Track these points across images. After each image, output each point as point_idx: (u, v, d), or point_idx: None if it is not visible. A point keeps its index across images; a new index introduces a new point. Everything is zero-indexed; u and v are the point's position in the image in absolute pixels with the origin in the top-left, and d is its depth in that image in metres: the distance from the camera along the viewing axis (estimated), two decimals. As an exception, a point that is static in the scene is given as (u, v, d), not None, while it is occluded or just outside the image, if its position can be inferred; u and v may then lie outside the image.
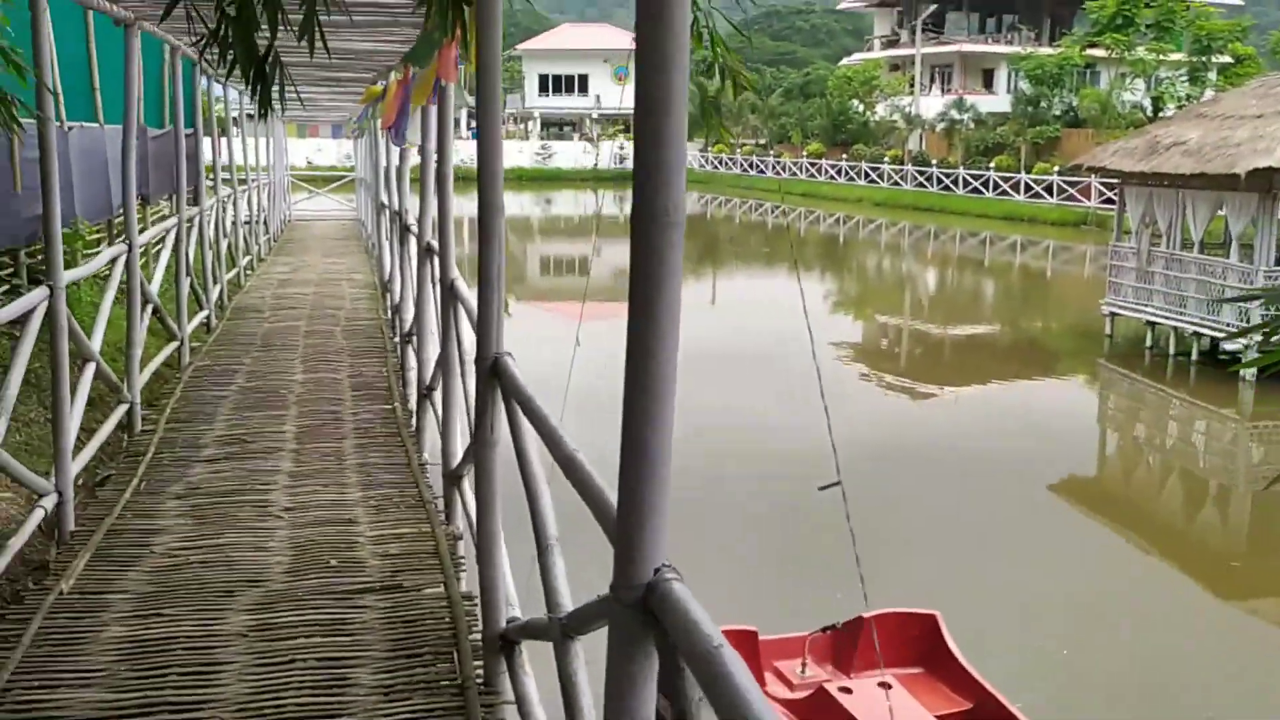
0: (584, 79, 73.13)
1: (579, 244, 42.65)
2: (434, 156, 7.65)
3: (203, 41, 3.15)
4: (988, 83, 58.05)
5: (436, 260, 7.48)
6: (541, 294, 29.34)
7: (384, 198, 14.70)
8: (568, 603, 3.22)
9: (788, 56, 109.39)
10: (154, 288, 8.67)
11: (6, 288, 9.26)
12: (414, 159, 9.96)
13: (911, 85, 57.48)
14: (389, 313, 12.28)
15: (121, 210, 13.58)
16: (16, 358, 4.97)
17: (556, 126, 76.27)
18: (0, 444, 4.80)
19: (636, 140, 1.91)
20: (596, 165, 67.55)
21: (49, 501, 5.33)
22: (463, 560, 5.40)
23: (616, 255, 38.35)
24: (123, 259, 7.28)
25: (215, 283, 12.48)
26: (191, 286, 10.28)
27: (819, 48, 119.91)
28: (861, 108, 59.92)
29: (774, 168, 61.95)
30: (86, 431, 6.72)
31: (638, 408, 1.93)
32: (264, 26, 3.03)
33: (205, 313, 11.28)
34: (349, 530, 5.66)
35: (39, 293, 5.17)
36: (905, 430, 15.22)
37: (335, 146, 60.46)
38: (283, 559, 5.27)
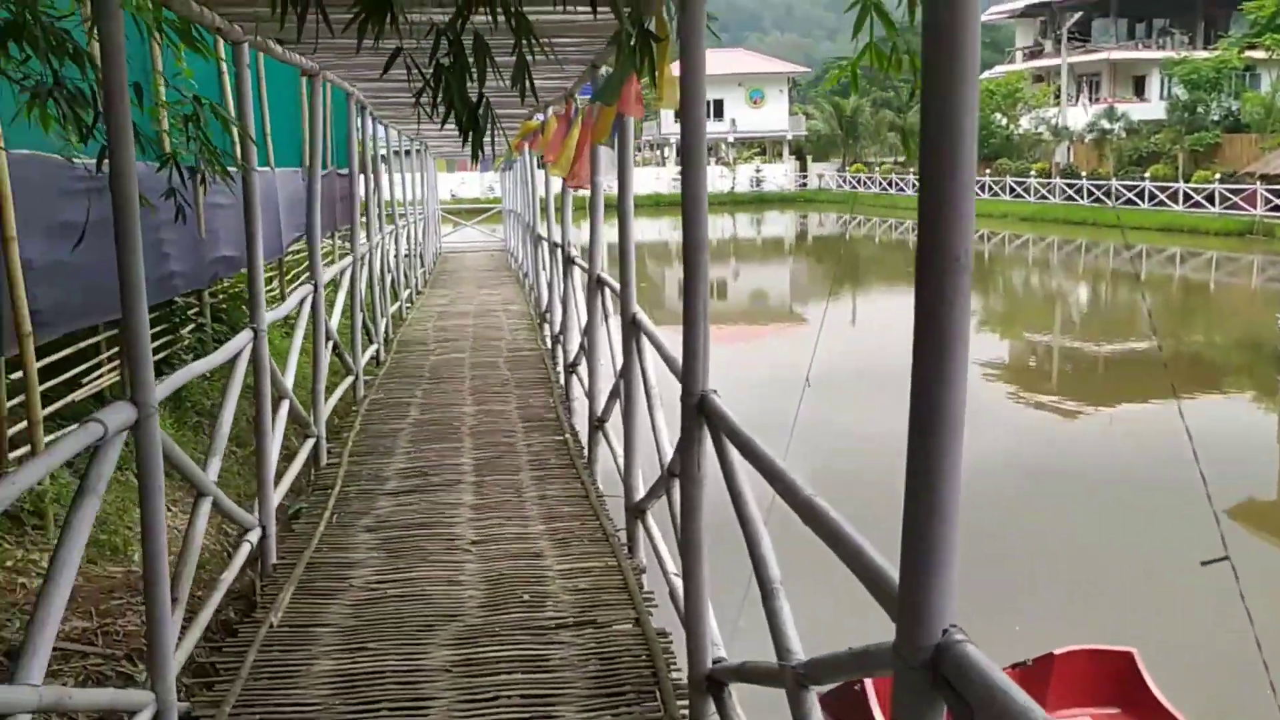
0: (719, 104, 73.22)
1: (715, 268, 42.65)
2: (604, 189, 7.69)
3: (419, 92, 3.21)
4: (1139, 90, 55.97)
5: (608, 293, 7.53)
6: (679, 317, 29.24)
7: (540, 229, 14.94)
8: (798, 650, 3.14)
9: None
10: (334, 320, 8.97)
11: (193, 326, 9.72)
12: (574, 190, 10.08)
13: (1057, 96, 55.84)
14: (549, 343, 12.46)
15: (288, 249, 14.25)
16: (227, 399, 5.18)
17: (692, 152, 76.29)
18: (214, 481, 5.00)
19: (923, 170, 1.83)
20: (733, 189, 67.59)
21: (254, 535, 5.53)
22: (650, 595, 5.38)
23: (753, 278, 38.43)
24: (309, 299, 7.54)
25: (383, 316, 12.86)
26: (363, 322, 10.61)
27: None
28: (1005, 121, 58.47)
29: (914, 186, 60.78)
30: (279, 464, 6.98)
31: (923, 456, 1.84)
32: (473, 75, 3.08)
33: (375, 346, 11.63)
34: (536, 564, 5.71)
35: (244, 336, 5.38)
36: (1058, 450, 14.69)
37: (478, 179, 62.00)
38: (475, 593, 5.34)
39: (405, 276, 17.44)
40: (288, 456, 7.30)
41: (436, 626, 4.94)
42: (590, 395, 8.03)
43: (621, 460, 6.71)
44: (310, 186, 7.69)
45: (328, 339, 8.19)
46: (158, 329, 9.12)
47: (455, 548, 5.96)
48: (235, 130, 5.90)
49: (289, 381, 6.96)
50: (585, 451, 7.91)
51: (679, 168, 5.76)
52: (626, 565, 5.64)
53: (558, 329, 11.94)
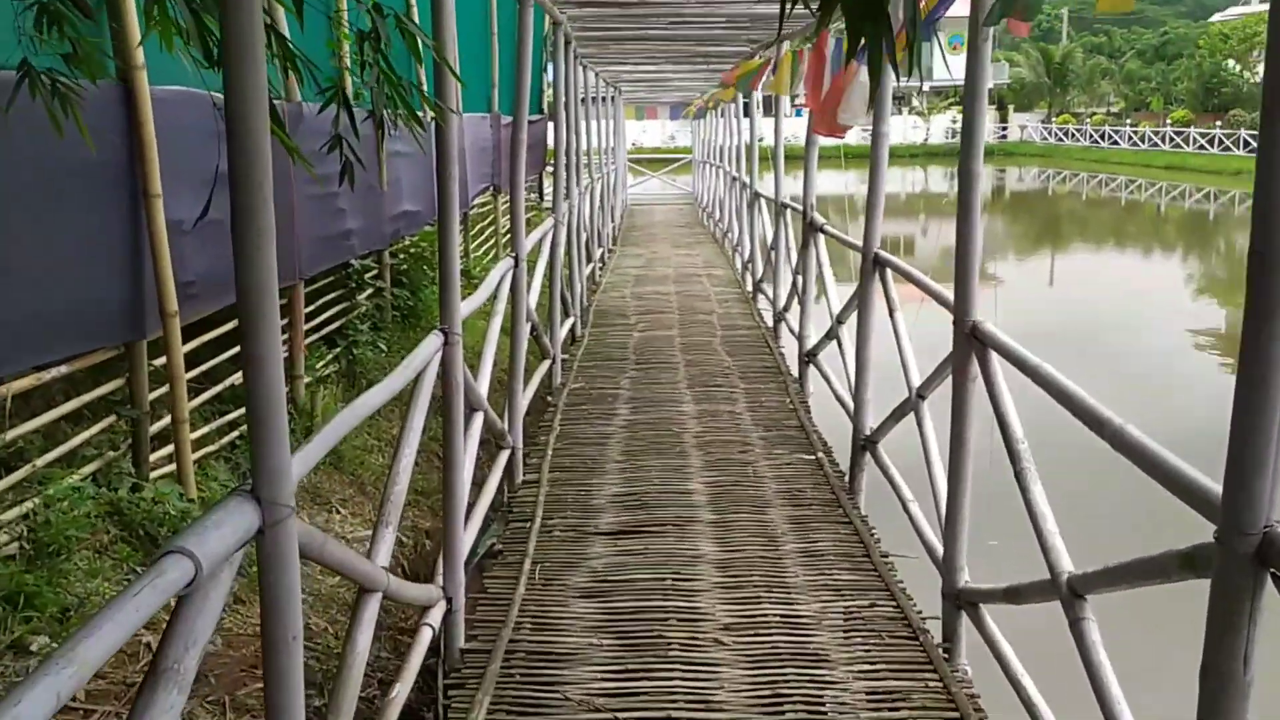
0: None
1: (905, 224, 39.91)
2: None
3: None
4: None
5: (885, 274, 5.76)
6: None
7: (761, 186, 13.13)
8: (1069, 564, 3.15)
9: (1136, 15, 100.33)
10: (532, 300, 7.46)
11: (370, 291, 8.40)
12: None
13: (1302, 40, 50.18)
14: (769, 320, 10.72)
15: (474, 202, 12.89)
16: (408, 431, 3.64)
17: (883, 101, 72.72)
18: (390, 557, 3.47)
19: (1262, 139, 1.86)
20: (927, 140, 63.93)
21: (436, 616, 4.01)
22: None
23: (945, 235, 35.70)
24: (508, 276, 6.01)
25: (578, 281, 11.37)
26: (561, 293, 9.10)
27: (1170, 5, 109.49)
28: (1239, 68, 53.06)
29: (1130, 138, 56.07)
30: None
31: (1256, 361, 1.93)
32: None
33: (571, 320, 10.12)
34: (817, 669, 4.03)
35: (433, 341, 3.84)
36: None
37: (659, 128, 60.33)
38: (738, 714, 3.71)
39: (599, 234, 15.95)
40: (476, 482, 5.82)
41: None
42: (856, 404, 6.23)
43: (918, 508, 5.01)
44: (515, 135, 6.10)
45: (527, 321, 6.65)
46: (330, 295, 7.83)
47: (702, 634, 4.33)
48: (426, 58, 4.38)
49: (484, 387, 5.42)
50: (846, 478, 6.17)
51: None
52: (954, 682, 3.90)
53: (781, 304, 10.19)
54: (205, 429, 5.84)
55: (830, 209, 8.87)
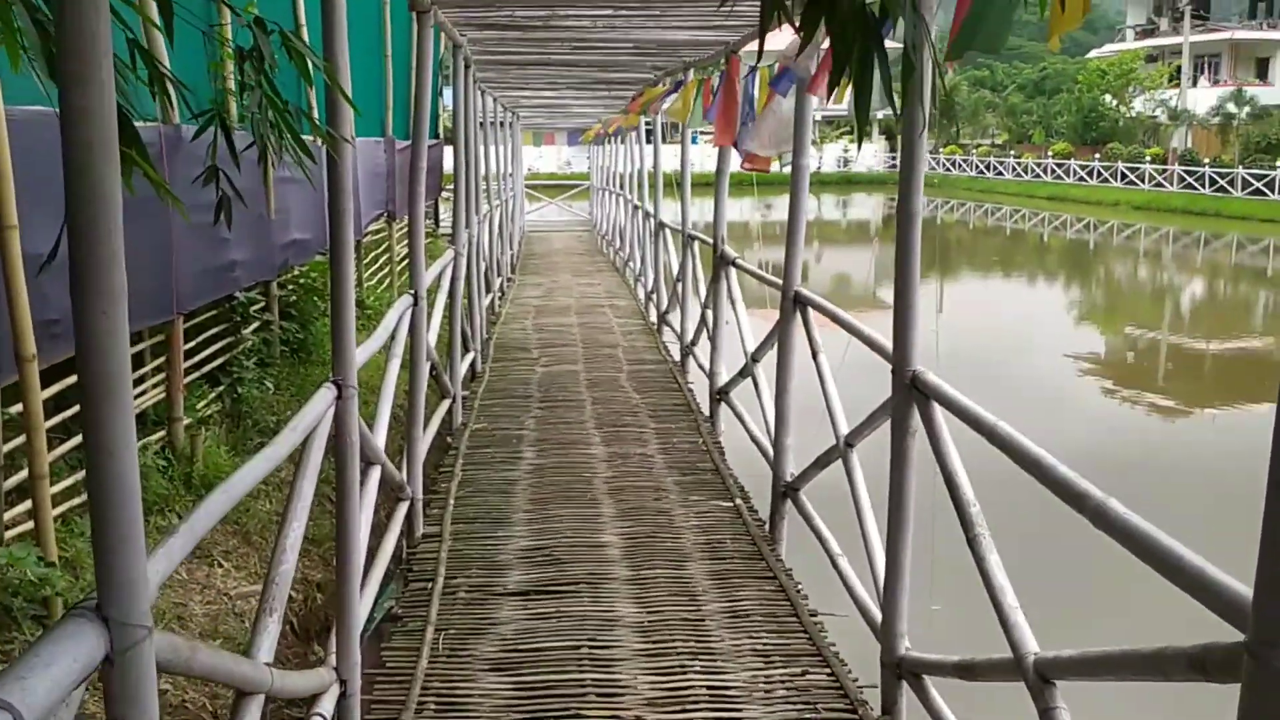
0: (807, 79, 70.45)
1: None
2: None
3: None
4: (1262, 73, 52.21)
5: (807, 314, 5.50)
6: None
7: (657, 211, 12.87)
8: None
9: (1016, 51, 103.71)
10: (431, 337, 7.02)
11: (256, 325, 7.87)
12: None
13: (1172, 78, 52.29)
14: (675, 354, 10.44)
15: (366, 229, 12.36)
16: (295, 501, 3.18)
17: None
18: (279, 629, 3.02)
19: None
20: (819, 169, 64.92)
21: (329, 704, 3.56)
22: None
23: (837, 261, 36.18)
24: (407, 315, 5.57)
25: (478, 314, 10.95)
26: (460, 327, 8.67)
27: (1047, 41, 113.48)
28: (1115, 103, 55.03)
29: (1014, 169, 57.72)
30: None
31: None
32: None
33: (471, 355, 9.68)
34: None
35: (324, 396, 3.41)
36: (1156, 449, 12.91)
37: (556, 153, 60.08)
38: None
39: (497, 263, 15.52)
40: (373, 534, 5.35)
41: None
42: (775, 449, 5.94)
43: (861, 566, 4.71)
44: (414, 163, 5.67)
45: (427, 360, 6.22)
46: (213, 330, 7.29)
47: (623, 711, 3.95)
48: (317, 80, 3.97)
49: (380, 435, 4.97)
50: (767, 527, 5.86)
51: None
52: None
53: (689, 338, 9.91)
54: (72, 479, 5.29)
55: (731, 237, 8.67)
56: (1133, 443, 13.23)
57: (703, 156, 10.94)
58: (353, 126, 3.54)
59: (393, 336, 5.41)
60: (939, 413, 3.53)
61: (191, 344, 6.83)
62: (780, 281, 5.79)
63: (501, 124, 18.55)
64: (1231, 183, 43.96)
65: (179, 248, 6.00)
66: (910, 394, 3.65)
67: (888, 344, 3.92)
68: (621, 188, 19.35)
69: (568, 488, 6.45)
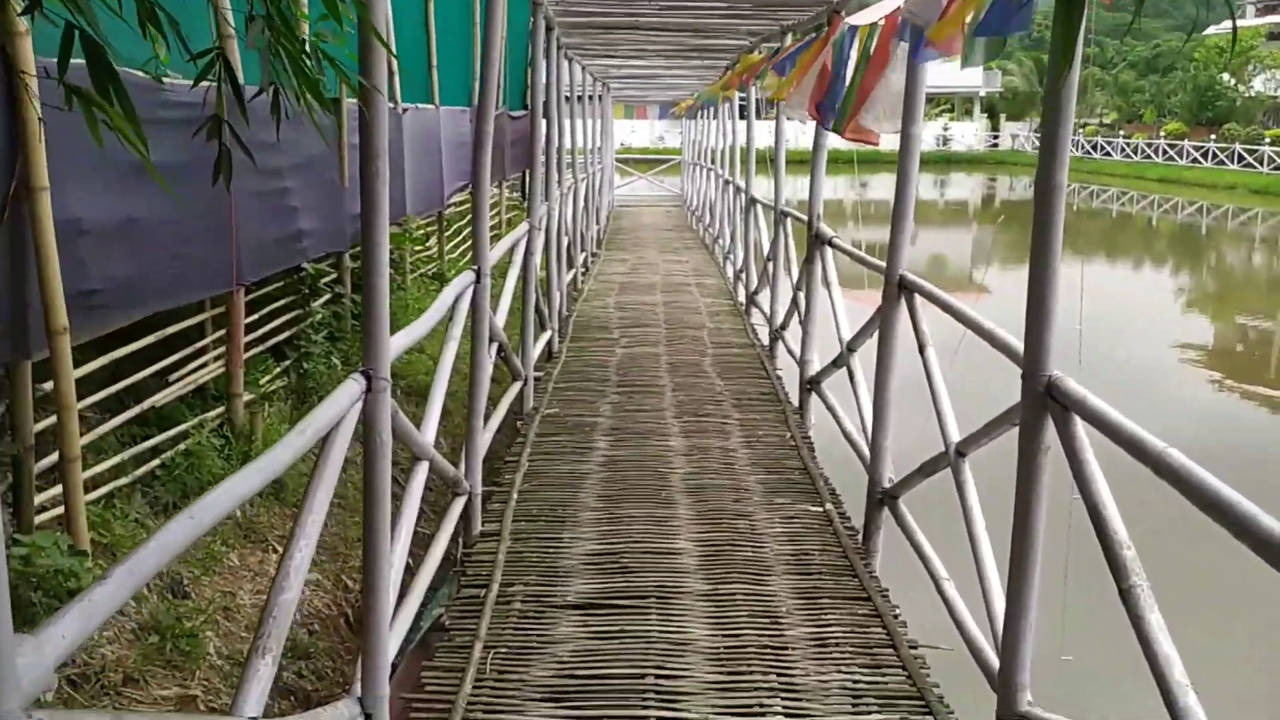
0: (907, 55, 68.58)
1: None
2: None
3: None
4: (1394, 50, 49.40)
5: (913, 301, 4.90)
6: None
7: (749, 187, 12.25)
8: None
9: (1128, 27, 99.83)
10: (500, 318, 6.55)
11: (327, 297, 7.50)
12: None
13: (1297, 55, 49.71)
14: (764, 338, 9.85)
15: (450, 200, 11.99)
16: (306, 517, 2.71)
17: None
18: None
19: None
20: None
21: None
22: None
23: (933, 243, 35.15)
24: (469, 292, 5.09)
25: (558, 291, 10.48)
26: (535, 305, 8.21)
27: (1162, 18, 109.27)
28: (1233, 81, 52.51)
29: (1123, 149, 55.51)
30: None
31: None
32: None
33: (548, 334, 9.21)
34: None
35: (350, 390, 2.93)
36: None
37: (648, 127, 59.48)
38: None
39: (582, 237, 15.05)
40: (420, 541, 4.90)
41: None
42: (872, 451, 5.34)
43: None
44: (480, 128, 5.18)
45: (492, 341, 5.74)
46: (280, 302, 6.93)
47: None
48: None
49: (430, 433, 4.50)
50: (861, 537, 5.28)
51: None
52: None
53: (779, 322, 9.32)
54: (119, 457, 4.95)
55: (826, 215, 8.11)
56: (1243, 436, 12.69)
57: (798, 132, 10.43)
58: (392, 80, 3.05)
59: (451, 317, 4.93)
60: (1080, 428, 2.92)
61: (256, 316, 6.48)
62: (883, 264, 5.17)
63: (591, 96, 18.04)
64: (1361, 167, 41.60)
65: (241, 215, 5.62)
66: (1044, 404, 3.04)
67: (1015, 342, 3.31)
68: (713, 163, 18.71)
69: (641, 484, 5.93)
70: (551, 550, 5.03)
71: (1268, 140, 47.31)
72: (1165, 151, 52.50)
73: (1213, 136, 50.08)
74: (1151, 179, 50.14)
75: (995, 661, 3.45)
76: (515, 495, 5.71)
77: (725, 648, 4.12)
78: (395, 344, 3.47)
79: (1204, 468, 2.31)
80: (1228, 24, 57.93)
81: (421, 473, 4.15)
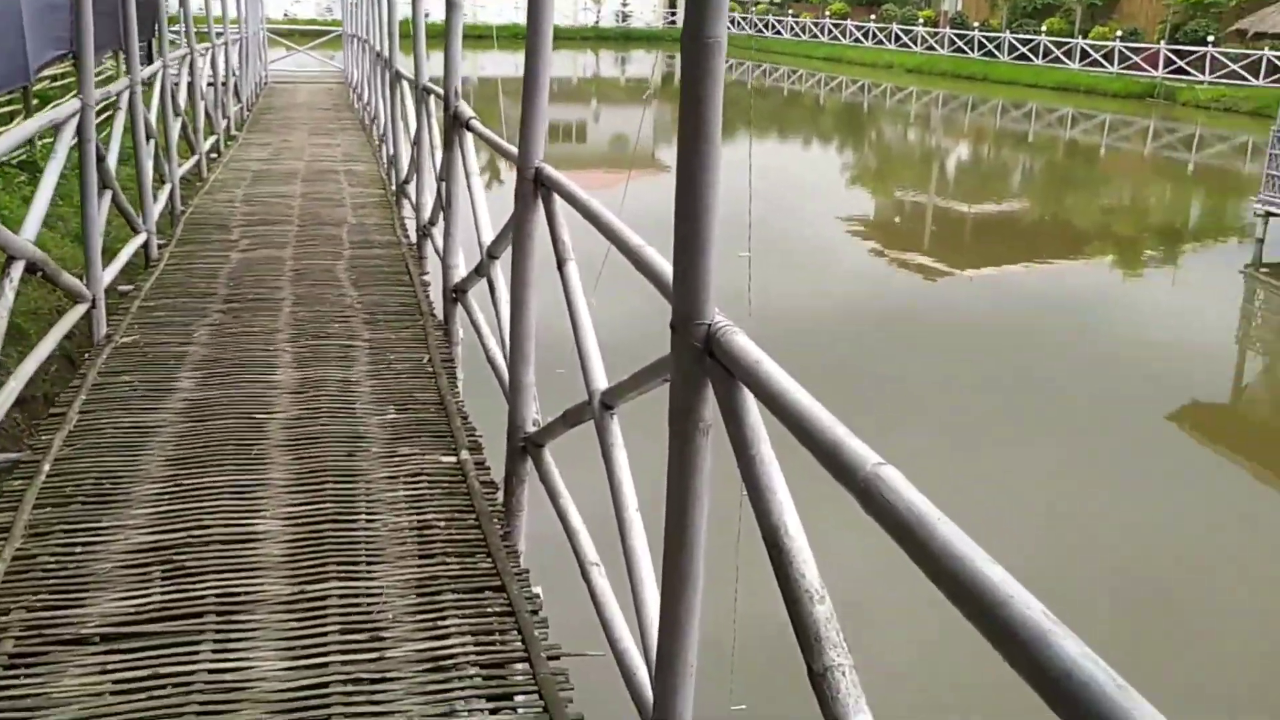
0: (584, -74, 67.07)
1: (575, 109, 38.43)
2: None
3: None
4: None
5: (552, 202, 3.85)
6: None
7: (393, 59, 10.76)
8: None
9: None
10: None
11: None
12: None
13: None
14: (413, 235, 8.58)
15: (39, 75, 9.80)
16: None
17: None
18: None
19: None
20: (598, 23, 62.46)
21: None
22: None
23: (615, 121, 34.84)
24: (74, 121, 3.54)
25: (166, 182, 8.71)
26: (118, 203, 6.53)
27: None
28: (890, -37, 54.66)
29: (792, 28, 56.89)
30: None
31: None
32: None
33: (141, 238, 7.54)
34: None
35: None
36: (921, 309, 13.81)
37: (313, -2, 55.16)
38: None
39: (209, 116, 12.98)
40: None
41: None
42: (512, 385, 4.29)
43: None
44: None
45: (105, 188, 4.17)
46: None
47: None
48: None
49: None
50: (501, 496, 4.26)
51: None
52: None
53: (427, 216, 8.07)
54: None
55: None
56: (895, 299, 14.12)
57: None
58: None
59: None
60: (753, 405, 1.97)
61: None
62: (517, 155, 4.06)
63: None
64: (999, 47, 44.43)
65: None
66: (702, 364, 2.08)
67: (665, 268, 2.32)
68: (367, 34, 16.84)
69: (228, 439, 4.63)
70: (79, 550, 3.68)
71: (920, 21, 49.70)
72: (830, 31, 54.21)
73: (873, 16, 52.09)
74: (819, 58, 51.70)
75: (647, 687, 2.55)
76: (47, 467, 4.27)
77: (299, 687, 3.00)
78: None
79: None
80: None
81: None
